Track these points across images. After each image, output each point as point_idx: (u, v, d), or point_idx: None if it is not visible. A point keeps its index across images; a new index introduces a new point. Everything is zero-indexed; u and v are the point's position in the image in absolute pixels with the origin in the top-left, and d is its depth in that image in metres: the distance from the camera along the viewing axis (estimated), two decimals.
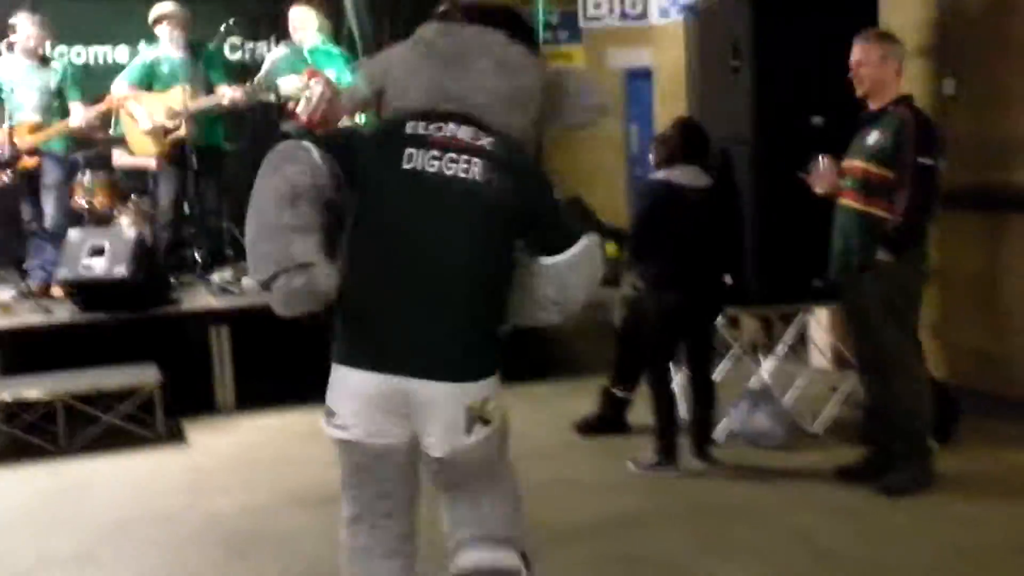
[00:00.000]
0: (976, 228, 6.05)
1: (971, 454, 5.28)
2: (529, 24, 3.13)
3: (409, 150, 2.78)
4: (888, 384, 4.88)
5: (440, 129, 2.80)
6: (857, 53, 4.87)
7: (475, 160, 2.77)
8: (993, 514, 4.57)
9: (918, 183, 4.67)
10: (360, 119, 7.82)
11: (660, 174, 5.29)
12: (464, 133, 2.80)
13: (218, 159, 8.04)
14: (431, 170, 2.76)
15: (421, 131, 2.80)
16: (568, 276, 2.87)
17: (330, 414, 2.85)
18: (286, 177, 2.70)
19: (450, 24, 2.94)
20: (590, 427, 5.98)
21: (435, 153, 2.77)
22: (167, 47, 7.67)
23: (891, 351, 4.84)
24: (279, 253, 2.68)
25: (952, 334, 6.24)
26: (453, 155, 2.77)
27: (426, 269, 2.74)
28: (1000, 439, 5.52)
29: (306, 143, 2.77)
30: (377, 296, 2.77)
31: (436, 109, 2.84)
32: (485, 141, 2.81)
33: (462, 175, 2.76)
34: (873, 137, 4.80)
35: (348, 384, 2.81)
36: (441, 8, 3.04)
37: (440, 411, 2.77)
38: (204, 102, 7.59)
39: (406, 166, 2.76)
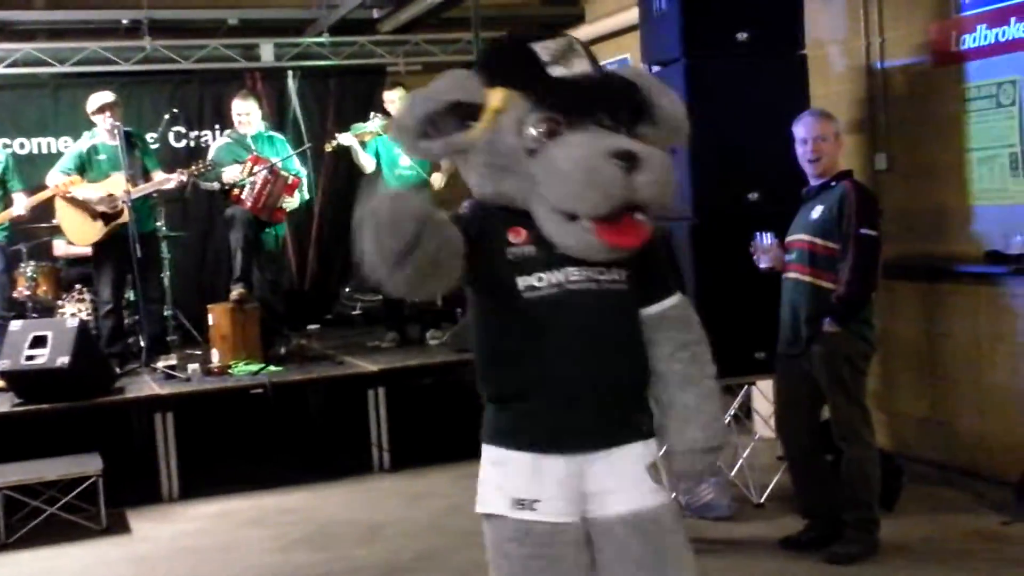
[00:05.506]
0: (912, 297, 6.17)
1: (915, 521, 5.30)
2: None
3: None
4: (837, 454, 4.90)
5: None
6: (816, 129, 4.91)
7: None
8: None
9: (861, 254, 4.76)
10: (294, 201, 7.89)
11: None
12: None
13: (156, 245, 8.04)
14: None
15: None
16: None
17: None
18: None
19: None
20: None
21: None
22: (104, 135, 7.68)
23: (841, 421, 4.88)
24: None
25: (893, 402, 6.32)
26: None
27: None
28: (943, 506, 5.55)
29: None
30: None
31: None
32: None
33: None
34: (817, 211, 4.88)
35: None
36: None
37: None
38: (144, 188, 7.59)
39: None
